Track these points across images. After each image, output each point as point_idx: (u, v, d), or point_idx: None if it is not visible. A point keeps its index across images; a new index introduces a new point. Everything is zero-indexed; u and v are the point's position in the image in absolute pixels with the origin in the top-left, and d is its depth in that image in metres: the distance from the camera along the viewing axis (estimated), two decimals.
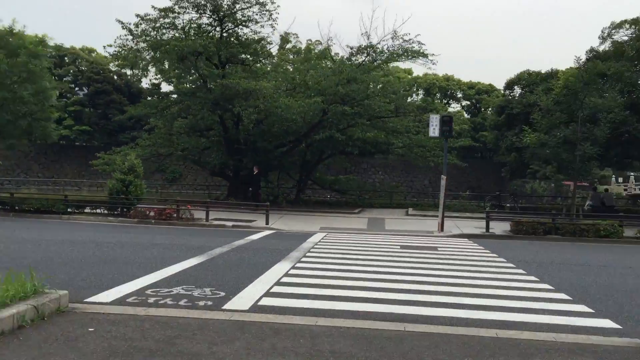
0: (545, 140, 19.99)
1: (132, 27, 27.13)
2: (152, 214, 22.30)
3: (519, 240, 19.73)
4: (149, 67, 29.44)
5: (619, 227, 19.94)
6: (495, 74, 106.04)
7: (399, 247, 15.79)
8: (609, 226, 19.92)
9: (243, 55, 27.59)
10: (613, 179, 70.52)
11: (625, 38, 24.76)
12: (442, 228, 21.10)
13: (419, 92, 76.58)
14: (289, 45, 38.27)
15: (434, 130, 21.56)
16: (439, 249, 15.71)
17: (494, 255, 14.54)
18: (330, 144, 27.36)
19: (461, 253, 14.79)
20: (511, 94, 30.56)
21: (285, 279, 9.83)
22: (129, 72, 54.51)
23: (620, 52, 23.97)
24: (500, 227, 21.63)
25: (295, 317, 7.12)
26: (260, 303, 7.90)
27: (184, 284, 9.09)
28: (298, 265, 11.65)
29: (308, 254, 13.47)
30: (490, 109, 78.73)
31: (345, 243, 16.36)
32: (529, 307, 8.15)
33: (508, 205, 28.34)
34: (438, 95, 75.23)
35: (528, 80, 29.80)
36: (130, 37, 27.40)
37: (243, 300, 8.03)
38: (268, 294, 8.55)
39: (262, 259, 12.26)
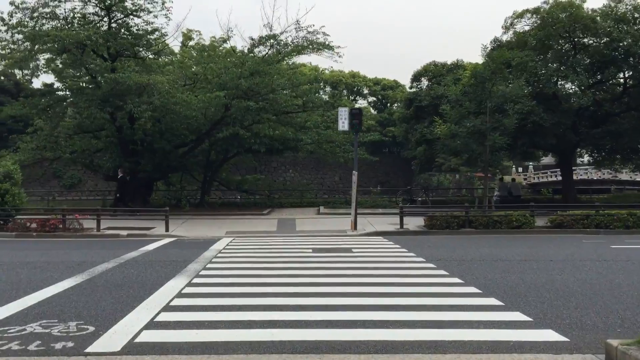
0: (456, 130, 19.48)
1: (5, 16, 24.10)
2: (34, 225, 19.68)
3: (434, 235, 19.10)
4: (39, 66, 26.45)
5: (530, 217, 19.81)
6: (400, 70, 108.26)
7: (310, 250, 14.50)
8: (520, 217, 19.73)
9: (137, 48, 25.26)
10: (513, 169, 73.48)
11: (527, 28, 24.92)
12: (355, 226, 20.11)
13: (326, 88, 76.35)
14: (191, 43, 36.08)
15: (343, 124, 20.50)
16: (354, 250, 14.59)
17: (412, 254, 13.59)
18: (235, 142, 25.69)
19: (377, 254, 13.73)
20: (418, 86, 30.20)
21: (176, 301, 8.20)
22: (18, 72, 49.91)
23: (523, 42, 24.05)
24: (414, 222, 20.96)
25: (180, 357, 5.58)
26: (138, 339, 6.24)
27: (45, 317, 7.24)
28: (195, 280, 10.03)
29: (209, 266, 11.86)
30: (396, 104, 79.80)
31: (253, 249, 14.86)
32: (461, 318, 7.07)
33: (419, 199, 27.97)
34: (345, 92, 75.33)
35: (435, 71, 29.54)
36: (3, 28, 24.34)
37: (116, 336, 6.34)
38: (151, 324, 6.90)
39: (153, 276, 10.51)
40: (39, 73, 25.19)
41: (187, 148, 25.45)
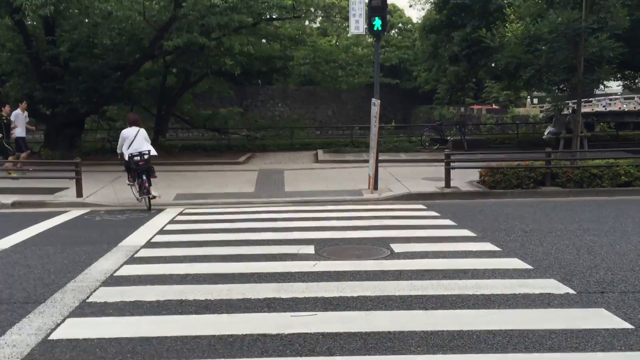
0: (539, 30, 11.93)
1: None
2: None
3: (503, 199, 12.10)
4: None
5: None
6: None
7: (312, 250, 7.41)
8: (632, 168, 12.67)
9: None
10: (528, 100, 65.66)
11: None
12: (376, 184, 12.98)
13: (317, 12, 67.26)
14: None
15: (357, 23, 13.02)
16: (394, 245, 7.52)
17: (517, 262, 6.54)
18: (199, 60, 18.03)
19: (441, 258, 6.64)
20: None
21: None
22: None
23: None
24: (461, 176, 13.74)
25: None
26: None
27: None
28: None
29: (66, 327, 4.74)
30: (394, 30, 70.85)
31: (201, 246, 7.68)
32: None
33: (450, 138, 20.73)
34: (338, 17, 66.86)
35: None
36: None
37: None
38: None
39: None
40: None
41: (126, 70, 17.73)
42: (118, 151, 11.41)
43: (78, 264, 6.87)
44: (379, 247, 7.57)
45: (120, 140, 11.29)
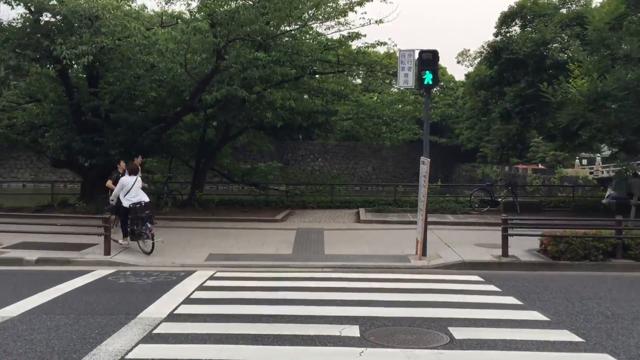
0: (608, 87, 10.84)
1: None
2: None
3: (569, 272, 10.79)
4: None
5: None
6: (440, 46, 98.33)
7: (357, 333, 6.33)
8: None
9: None
10: (577, 160, 63.24)
11: None
12: (424, 251, 11.84)
13: (360, 69, 67.62)
14: None
15: (405, 77, 12.23)
16: (452, 329, 6.40)
17: None
18: (239, 113, 17.51)
19: (520, 352, 5.49)
20: (507, 34, 20.82)
21: None
22: None
23: None
24: (519, 243, 12.43)
25: None
26: None
27: None
28: None
29: None
30: (436, 88, 70.41)
31: (232, 316, 6.70)
32: None
33: (501, 199, 19.45)
34: (380, 74, 67.12)
35: (534, 10, 20.02)
36: None
37: None
38: None
39: None
40: None
41: (164, 123, 17.25)
42: (112, 197, 12.35)
43: (88, 340, 5.98)
44: (435, 332, 6.45)
45: (118, 187, 12.02)
